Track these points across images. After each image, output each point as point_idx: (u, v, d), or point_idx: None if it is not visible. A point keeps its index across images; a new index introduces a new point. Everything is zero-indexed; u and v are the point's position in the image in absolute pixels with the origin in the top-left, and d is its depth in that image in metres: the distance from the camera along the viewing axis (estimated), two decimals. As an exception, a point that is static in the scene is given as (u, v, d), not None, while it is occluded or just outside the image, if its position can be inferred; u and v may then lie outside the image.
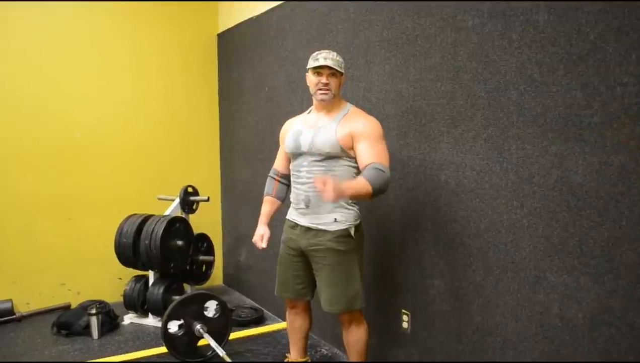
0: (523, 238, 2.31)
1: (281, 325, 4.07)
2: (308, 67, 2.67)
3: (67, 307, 4.45)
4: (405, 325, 3.01)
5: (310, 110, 2.84)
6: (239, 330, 3.96)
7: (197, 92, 5.12)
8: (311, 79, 2.66)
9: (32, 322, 4.24)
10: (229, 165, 5.11)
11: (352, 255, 2.67)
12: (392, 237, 3.08)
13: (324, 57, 2.59)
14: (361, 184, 2.40)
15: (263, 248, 2.95)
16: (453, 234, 2.66)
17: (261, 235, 2.96)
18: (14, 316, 4.22)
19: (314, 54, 2.65)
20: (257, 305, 4.60)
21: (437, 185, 2.74)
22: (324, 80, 2.60)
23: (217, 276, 5.24)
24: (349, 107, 2.72)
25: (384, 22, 3.03)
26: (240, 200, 4.91)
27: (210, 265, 4.65)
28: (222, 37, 5.11)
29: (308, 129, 2.71)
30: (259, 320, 4.23)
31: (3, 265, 4.31)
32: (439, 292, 2.78)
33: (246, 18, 4.60)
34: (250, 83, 4.60)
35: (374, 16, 3.10)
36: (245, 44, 4.66)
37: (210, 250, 4.66)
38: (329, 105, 2.69)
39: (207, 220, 4.92)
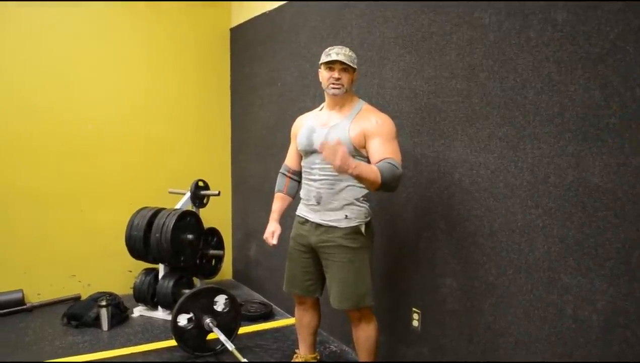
0: (537, 239, 2.29)
1: (290, 320, 4.07)
2: (320, 62, 2.67)
3: (77, 298, 4.48)
4: (415, 323, 3.00)
5: (322, 107, 2.83)
6: (248, 325, 3.96)
7: (209, 86, 5.12)
8: (323, 74, 2.67)
9: (43, 312, 4.26)
10: (240, 160, 5.11)
11: (363, 252, 2.66)
12: (403, 235, 3.07)
13: (335, 52, 2.60)
14: (371, 169, 2.39)
15: (274, 245, 2.94)
16: (466, 233, 2.65)
17: (272, 232, 2.95)
18: (25, 306, 4.25)
19: (327, 50, 2.65)
20: (266, 300, 4.60)
21: (451, 183, 2.72)
22: (335, 75, 2.60)
23: (226, 270, 5.25)
24: (362, 104, 2.71)
25: (399, 18, 3.01)
26: (250, 195, 4.91)
27: (220, 259, 4.66)
28: (235, 32, 5.10)
29: (321, 127, 2.71)
30: (268, 315, 4.23)
31: (15, 256, 4.34)
32: (450, 291, 2.77)
33: (259, 13, 4.59)
34: (262, 78, 4.60)
35: (389, 12, 3.08)
36: (258, 39, 4.65)
37: (220, 245, 4.66)
38: (341, 102, 2.68)
39: (217, 215, 4.93)
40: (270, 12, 4.42)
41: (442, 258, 2.80)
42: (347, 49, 2.64)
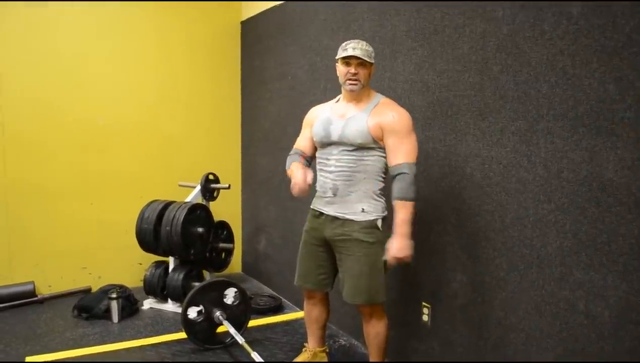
0: (549, 234, 2.27)
1: (299, 314, 4.07)
2: (337, 57, 2.63)
3: (87, 291, 4.50)
4: (425, 317, 2.99)
5: (338, 99, 2.79)
6: (258, 318, 3.97)
7: (220, 79, 5.11)
8: (340, 69, 2.63)
9: (54, 304, 4.29)
10: (250, 154, 5.11)
11: (378, 247, 2.63)
12: (414, 229, 3.05)
13: (352, 47, 2.56)
14: (404, 211, 2.51)
15: (309, 185, 2.60)
16: (477, 228, 2.63)
17: (303, 173, 2.61)
18: (36, 298, 4.28)
19: (343, 44, 2.61)
20: (275, 293, 4.61)
21: (462, 177, 2.70)
22: (352, 70, 2.57)
23: (236, 264, 5.26)
24: (380, 98, 2.68)
25: (411, 11, 2.99)
26: (260, 189, 4.91)
27: (229, 252, 4.67)
28: (245, 25, 5.09)
29: (338, 119, 2.67)
30: (277, 309, 4.24)
31: (26, 248, 4.37)
32: (461, 286, 2.75)
33: (270, 6, 4.57)
34: (272, 71, 4.59)
35: (401, 5, 3.06)
36: (268, 32, 4.64)
37: (230, 238, 4.67)
38: (358, 96, 2.65)
39: (227, 208, 4.94)
40: (281, 5, 4.41)
41: (453, 252, 2.79)
42: (364, 43, 2.60)
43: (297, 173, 2.64)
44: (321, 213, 2.75)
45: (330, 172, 2.67)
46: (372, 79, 3.22)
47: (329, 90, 3.67)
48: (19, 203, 4.32)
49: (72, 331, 3.74)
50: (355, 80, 2.58)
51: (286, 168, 2.85)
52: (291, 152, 2.91)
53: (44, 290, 4.42)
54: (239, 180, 5.28)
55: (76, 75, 4.44)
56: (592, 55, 2.07)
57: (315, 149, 2.84)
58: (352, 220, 2.63)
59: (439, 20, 2.80)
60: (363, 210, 2.62)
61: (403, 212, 2.51)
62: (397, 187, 2.52)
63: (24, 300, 4.23)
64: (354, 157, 2.61)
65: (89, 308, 3.96)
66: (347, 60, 2.58)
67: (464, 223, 2.71)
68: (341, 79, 2.65)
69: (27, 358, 3.30)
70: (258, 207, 4.99)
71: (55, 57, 4.36)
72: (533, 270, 2.35)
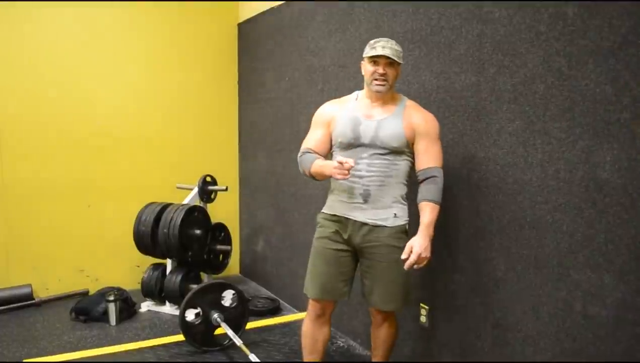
0: (547, 235, 2.27)
1: (297, 316, 4.07)
2: (364, 55, 2.51)
3: (85, 293, 4.50)
4: (423, 319, 2.99)
5: (357, 97, 2.65)
6: (256, 320, 3.97)
7: (217, 81, 5.11)
8: (367, 68, 2.50)
9: (51, 307, 4.28)
10: (248, 156, 5.11)
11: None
12: (411, 230, 3.05)
13: (382, 46, 2.43)
14: (433, 213, 2.45)
15: (351, 167, 2.32)
16: (475, 229, 2.64)
17: (338, 161, 2.33)
18: (33, 301, 4.27)
19: (371, 42, 2.49)
20: (273, 295, 4.60)
21: (459, 179, 2.71)
22: (380, 70, 2.45)
23: (233, 266, 5.26)
24: (405, 100, 2.60)
25: (408, 12, 2.99)
26: (258, 191, 4.91)
27: (227, 254, 4.66)
28: (242, 26, 5.09)
29: (366, 119, 2.52)
30: (275, 311, 4.24)
31: (23, 251, 4.36)
32: (458, 287, 2.76)
33: (267, 8, 4.58)
34: (270, 73, 4.59)
35: (398, 6, 3.06)
36: (265, 34, 4.65)
37: (227, 240, 4.67)
38: (384, 97, 2.53)
39: (224, 210, 4.93)
40: (278, 7, 4.41)
41: (451, 253, 2.79)
42: (394, 42, 2.47)
43: (328, 164, 2.42)
44: (347, 219, 2.57)
45: (361, 177, 2.50)
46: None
47: (326, 92, 3.67)
48: (16, 206, 4.31)
49: (69, 334, 3.74)
50: (384, 80, 2.46)
51: (303, 169, 2.63)
52: (302, 152, 2.65)
53: (42, 293, 4.41)
54: (237, 182, 5.28)
55: (73, 78, 4.44)
56: (588, 56, 2.07)
57: (328, 150, 2.66)
58: (383, 226, 2.53)
59: (435, 21, 2.81)
60: (395, 215, 2.54)
61: (432, 214, 2.45)
62: (428, 189, 2.47)
63: (21, 303, 4.22)
64: (387, 161, 2.50)
65: (87, 311, 3.95)
66: (375, 59, 2.46)
67: (461, 224, 2.72)
68: (367, 79, 2.51)
69: (25, 361, 3.29)
70: (256, 208, 4.99)
71: (53, 60, 4.35)
72: (530, 270, 2.36)
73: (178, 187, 4.59)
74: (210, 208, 4.48)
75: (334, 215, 2.62)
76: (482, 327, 2.62)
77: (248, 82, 5.02)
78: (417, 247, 2.37)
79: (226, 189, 4.49)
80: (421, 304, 3.00)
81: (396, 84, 3.04)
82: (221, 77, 5.14)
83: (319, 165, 2.50)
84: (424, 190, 2.48)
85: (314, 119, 2.72)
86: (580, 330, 2.16)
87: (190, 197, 4.38)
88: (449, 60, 2.73)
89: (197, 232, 4.15)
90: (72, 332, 3.76)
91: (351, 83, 3.38)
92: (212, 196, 4.54)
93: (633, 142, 1.94)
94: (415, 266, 2.37)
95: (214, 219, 4.46)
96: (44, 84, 4.34)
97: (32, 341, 3.61)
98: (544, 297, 2.30)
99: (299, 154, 2.66)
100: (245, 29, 5.04)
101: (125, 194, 4.66)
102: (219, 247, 4.54)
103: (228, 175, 5.08)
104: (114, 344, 3.56)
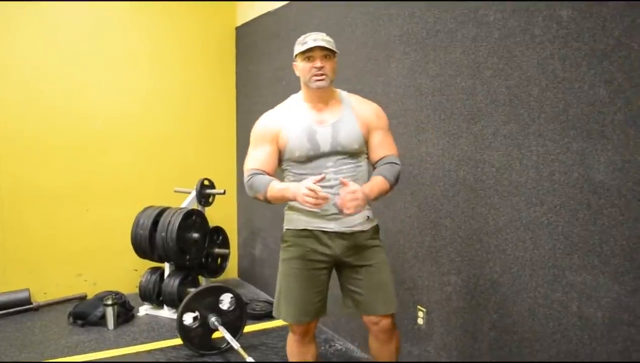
0: (542, 236, 2.28)
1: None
2: (295, 53, 2.34)
3: (83, 298, 4.50)
4: (420, 321, 3.00)
5: (296, 101, 2.47)
6: (253, 324, 3.97)
7: (215, 85, 5.13)
8: (301, 66, 2.33)
9: (49, 311, 4.29)
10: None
11: (384, 250, 2.49)
12: (408, 233, 3.07)
13: (313, 39, 2.27)
14: (382, 183, 2.32)
15: (327, 197, 2.18)
16: (471, 231, 2.64)
17: (308, 187, 2.16)
18: (31, 305, 4.27)
19: (300, 39, 2.33)
20: (271, 298, 4.60)
21: (456, 181, 2.72)
22: (317, 64, 2.27)
23: (232, 269, 5.26)
24: (345, 95, 2.46)
25: (404, 16, 3.01)
26: (255, 194, 4.90)
27: (225, 258, 4.67)
28: (240, 30, 5.11)
29: (320, 126, 2.34)
30: (273, 314, 4.24)
31: (21, 255, 4.36)
32: (455, 289, 2.76)
33: (265, 12, 4.59)
34: (267, 77, 4.60)
35: (394, 10, 3.08)
36: (263, 37, 4.66)
37: (225, 243, 4.67)
38: (325, 94, 2.37)
39: (222, 214, 4.94)
40: (276, 10, 4.43)
41: (447, 256, 2.80)
42: (324, 34, 2.32)
43: (299, 187, 2.21)
44: (323, 232, 2.37)
45: (331, 187, 2.30)
46: (366, 84, 3.26)
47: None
48: (13, 210, 4.32)
49: (67, 338, 3.74)
50: (322, 74, 2.28)
51: (255, 194, 2.38)
52: (250, 174, 2.39)
53: (39, 297, 4.41)
54: (235, 185, 5.28)
55: (72, 80, 4.46)
56: (582, 59, 2.09)
57: (276, 168, 2.45)
58: (361, 231, 2.38)
59: (431, 25, 2.82)
60: (368, 218, 2.42)
61: (379, 186, 2.31)
62: (384, 167, 2.37)
63: (19, 307, 4.22)
64: (352, 165, 2.36)
65: (85, 315, 3.95)
66: (308, 54, 2.28)
67: (457, 226, 2.72)
68: (304, 77, 2.33)
69: (23, 365, 3.30)
70: (253, 212, 4.99)
71: (51, 62, 4.37)
72: (526, 272, 2.37)
73: (176, 191, 4.59)
74: (208, 211, 4.49)
75: (305, 230, 2.40)
76: (479, 329, 2.62)
77: (246, 85, 5.03)
78: (358, 189, 2.20)
79: (224, 193, 4.49)
80: (418, 306, 3.01)
81: (395, 87, 3.08)
82: (219, 81, 5.15)
83: (278, 189, 2.30)
84: (382, 168, 2.38)
85: (254, 135, 2.49)
86: (576, 331, 2.17)
87: (188, 201, 4.39)
88: (445, 63, 2.74)
89: (195, 235, 4.16)
90: (70, 336, 3.77)
91: (346, 87, 3.39)
92: (210, 200, 4.54)
93: (627, 144, 1.95)
94: (344, 210, 2.19)
95: (212, 223, 4.47)
96: (41, 89, 4.35)
97: (30, 345, 3.61)
98: (539, 298, 2.31)
99: (247, 176, 2.40)
100: (243, 32, 5.05)
101: (123, 198, 4.67)
102: (216, 250, 4.54)
103: (226, 179, 5.09)
104: (111, 348, 3.56)
